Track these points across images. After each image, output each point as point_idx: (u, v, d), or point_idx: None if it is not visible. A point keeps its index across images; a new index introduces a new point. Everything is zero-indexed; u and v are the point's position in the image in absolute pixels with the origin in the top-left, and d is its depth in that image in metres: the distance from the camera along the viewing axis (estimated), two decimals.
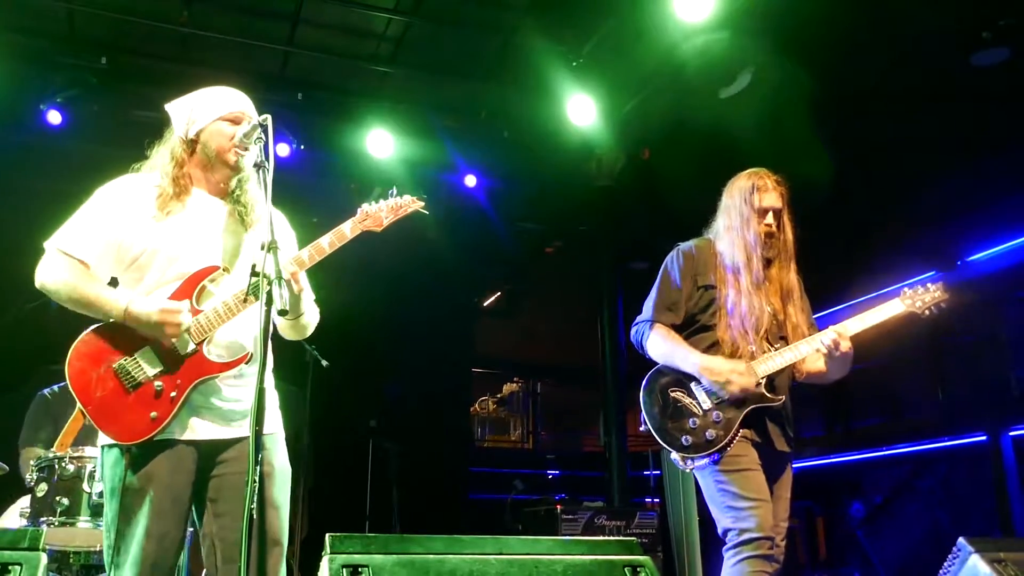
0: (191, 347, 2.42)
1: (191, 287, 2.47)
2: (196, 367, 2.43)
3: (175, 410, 2.38)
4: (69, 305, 2.45)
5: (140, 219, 2.50)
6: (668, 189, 7.38)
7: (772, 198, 3.29)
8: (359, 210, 2.64)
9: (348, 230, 2.60)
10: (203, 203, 2.62)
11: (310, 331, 2.77)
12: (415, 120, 7.42)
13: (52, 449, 3.95)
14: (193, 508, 2.48)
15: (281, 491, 2.51)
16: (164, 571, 2.35)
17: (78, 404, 2.38)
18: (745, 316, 3.20)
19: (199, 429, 2.44)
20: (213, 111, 2.62)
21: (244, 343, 2.52)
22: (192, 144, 2.61)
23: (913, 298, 3.27)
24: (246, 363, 2.48)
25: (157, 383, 2.39)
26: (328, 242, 2.57)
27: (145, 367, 2.40)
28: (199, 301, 2.47)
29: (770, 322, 3.25)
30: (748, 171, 3.39)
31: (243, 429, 2.48)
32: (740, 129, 6.53)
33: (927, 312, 3.27)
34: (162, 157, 2.63)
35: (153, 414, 2.37)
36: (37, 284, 2.48)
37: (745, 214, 3.29)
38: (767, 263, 3.32)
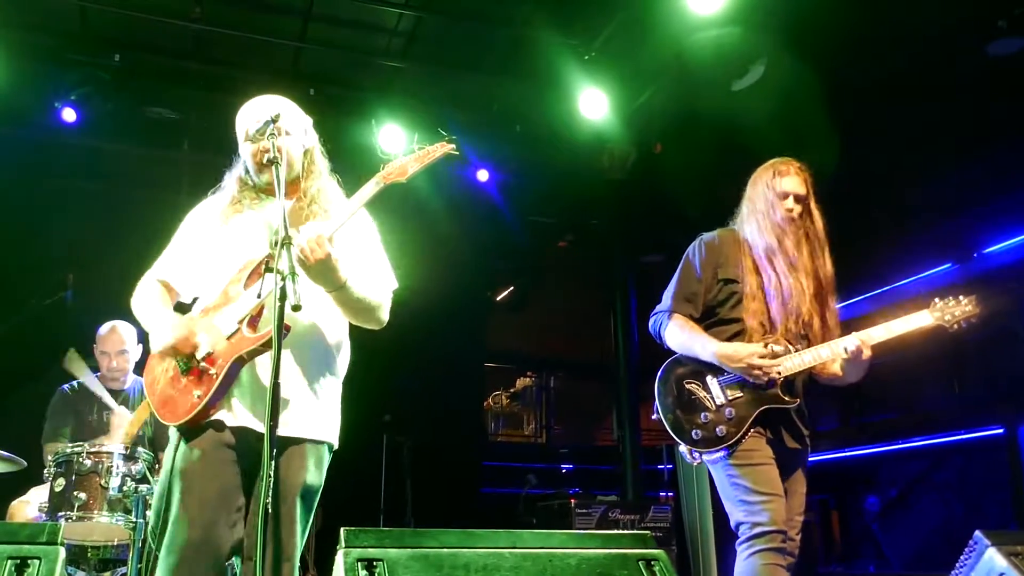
0: (233, 327, 2.49)
1: (240, 275, 2.57)
2: (234, 345, 2.48)
3: (215, 386, 2.43)
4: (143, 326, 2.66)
5: (208, 233, 2.69)
6: (680, 182, 7.35)
7: (793, 183, 3.26)
8: (382, 165, 2.60)
9: (372, 185, 2.56)
10: (264, 205, 2.71)
11: (379, 314, 2.70)
12: (427, 115, 7.41)
13: (84, 444, 3.97)
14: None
15: (298, 507, 2.49)
16: (211, 561, 2.35)
17: (146, 396, 2.63)
18: (788, 297, 3.15)
19: (246, 416, 2.49)
20: (240, 134, 2.73)
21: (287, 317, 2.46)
22: (244, 164, 2.76)
23: (943, 311, 3.19)
24: (266, 342, 2.42)
25: (202, 364, 2.47)
26: (356, 201, 2.56)
27: (196, 352, 2.49)
28: (249, 287, 2.54)
29: (808, 305, 3.20)
30: (771, 161, 3.37)
31: (294, 429, 2.50)
32: (753, 122, 6.49)
33: (956, 326, 3.21)
34: (231, 180, 2.81)
35: (197, 392, 2.45)
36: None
37: (769, 198, 3.26)
38: (797, 248, 3.27)
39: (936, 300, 3.24)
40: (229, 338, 2.48)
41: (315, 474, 2.56)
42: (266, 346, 2.40)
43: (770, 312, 3.18)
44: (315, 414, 2.60)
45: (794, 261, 3.20)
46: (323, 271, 2.45)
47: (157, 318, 2.61)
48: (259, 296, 2.46)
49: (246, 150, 2.69)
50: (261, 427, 2.47)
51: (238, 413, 2.49)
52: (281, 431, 2.41)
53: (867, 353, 3.13)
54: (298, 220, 2.60)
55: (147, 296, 2.68)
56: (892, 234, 8.24)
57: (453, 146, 2.65)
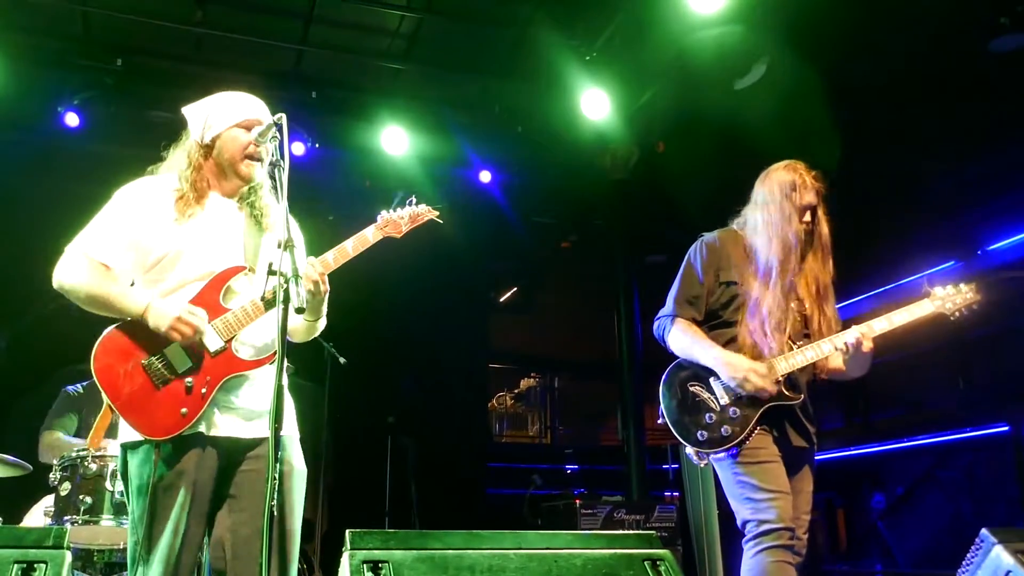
0: (220, 345, 2.47)
1: (218, 286, 2.52)
2: (225, 364, 2.47)
3: (205, 406, 2.42)
4: (86, 305, 2.48)
5: (161, 221, 2.53)
6: (683, 182, 7.35)
7: (811, 195, 3.22)
8: (379, 217, 2.71)
9: (370, 236, 2.68)
10: (221, 205, 2.65)
11: (316, 335, 2.83)
12: (429, 116, 7.42)
13: (84, 443, 3.96)
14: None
15: (297, 491, 2.54)
16: (188, 567, 2.39)
17: (106, 400, 2.42)
18: (766, 317, 3.14)
19: (222, 426, 2.48)
20: (229, 118, 2.64)
21: (271, 341, 2.56)
22: (208, 149, 2.64)
23: (944, 299, 3.19)
24: (271, 363, 2.51)
25: (187, 380, 2.43)
26: (352, 246, 2.64)
27: (174, 364, 2.45)
28: (225, 300, 2.52)
29: (795, 320, 3.21)
30: (784, 164, 3.32)
31: (264, 429, 2.51)
32: (755, 120, 6.48)
33: (957, 314, 3.19)
34: (179, 160, 2.67)
35: (183, 410, 2.41)
36: (55, 284, 2.50)
37: (787, 211, 3.20)
38: (802, 259, 3.26)
39: (936, 289, 3.23)
40: (214, 356, 2.46)
41: (300, 458, 2.61)
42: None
43: (751, 331, 3.18)
44: (288, 414, 2.61)
45: (792, 278, 3.19)
46: (318, 305, 2.64)
47: (135, 295, 2.47)
48: (263, 298, 2.49)
49: (235, 141, 2.61)
50: (244, 434, 2.50)
51: (220, 424, 2.48)
52: (262, 434, 2.50)
53: (868, 345, 3.12)
54: (257, 232, 2.66)
55: (97, 276, 2.47)
56: (895, 232, 8.23)
57: (438, 214, 2.85)
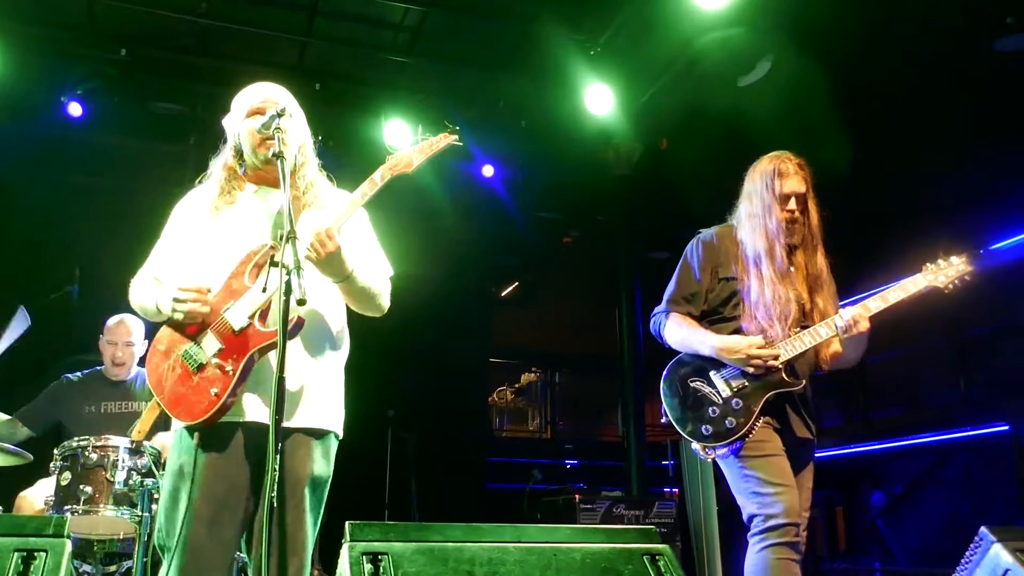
0: (244, 322, 2.48)
1: (242, 268, 2.55)
2: (248, 339, 2.47)
3: (232, 383, 2.42)
4: (146, 318, 2.69)
5: (199, 224, 2.64)
6: (686, 178, 7.34)
7: (794, 183, 3.21)
8: (388, 157, 2.61)
9: (378, 177, 2.58)
10: (259, 194, 2.70)
11: (380, 301, 2.72)
12: (432, 110, 7.41)
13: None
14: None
15: (307, 502, 2.49)
16: (215, 557, 2.37)
17: (155, 397, 2.53)
18: (770, 306, 3.13)
19: (257, 411, 2.46)
20: (240, 111, 2.70)
21: (296, 313, 2.45)
22: (239, 149, 2.70)
23: (936, 272, 3.16)
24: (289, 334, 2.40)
25: (215, 361, 2.46)
26: (360, 193, 2.58)
27: (206, 349, 2.49)
28: (253, 279, 2.53)
29: (796, 311, 3.20)
30: (771, 155, 3.31)
31: (299, 419, 2.51)
32: (759, 118, 6.47)
33: (951, 286, 3.16)
34: (216, 167, 2.76)
35: (214, 390, 2.43)
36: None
37: (767, 201, 3.20)
38: (791, 249, 3.25)
39: (928, 264, 3.20)
40: (239, 334, 2.47)
41: (323, 464, 2.56)
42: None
43: (758, 319, 3.17)
44: (319, 404, 2.59)
45: (782, 269, 3.16)
46: (333, 263, 2.49)
47: (152, 299, 2.61)
48: (264, 291, 2.47)
49: (250, 131, 2.64)
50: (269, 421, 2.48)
51: (250, 409, 2.47)
52: (286, 423, 2.43)
53: (864, 325, 3.09)
54: (296, 209, 2.61)
55: (145, 292, 2.66)
56: (898, 230, 8.22)
57: (456, 137, 2.67)
